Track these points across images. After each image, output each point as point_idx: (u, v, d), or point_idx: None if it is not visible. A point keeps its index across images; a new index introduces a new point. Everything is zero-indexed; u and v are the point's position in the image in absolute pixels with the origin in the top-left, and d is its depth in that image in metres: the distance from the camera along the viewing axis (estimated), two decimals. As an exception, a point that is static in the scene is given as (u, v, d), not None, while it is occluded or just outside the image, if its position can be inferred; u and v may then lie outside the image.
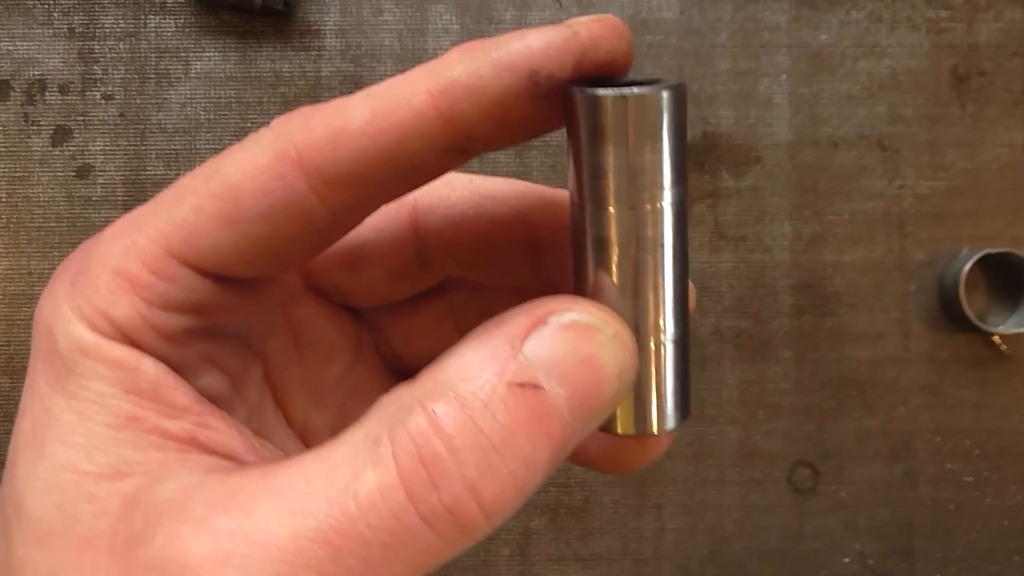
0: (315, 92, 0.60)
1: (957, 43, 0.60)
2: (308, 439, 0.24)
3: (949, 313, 0.60)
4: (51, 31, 0.59)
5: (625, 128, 0.18)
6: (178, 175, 0.59)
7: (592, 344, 0.18)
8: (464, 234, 0.23)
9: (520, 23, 0.60)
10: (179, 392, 0.19)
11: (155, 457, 0.18)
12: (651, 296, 0.19)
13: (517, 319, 0.18)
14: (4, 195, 0.59)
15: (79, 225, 0.59)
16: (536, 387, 0.17)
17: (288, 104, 0.60)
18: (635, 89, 0.18)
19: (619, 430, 0.20)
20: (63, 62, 0.59)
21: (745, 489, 0.60)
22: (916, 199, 0.60)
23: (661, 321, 0.19)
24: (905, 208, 0.60)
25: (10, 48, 0.59)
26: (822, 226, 0.60)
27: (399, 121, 0.18)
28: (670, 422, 0.20)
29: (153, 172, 0.59)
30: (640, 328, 0.19)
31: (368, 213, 0.20)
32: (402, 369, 0.25)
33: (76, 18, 0.60)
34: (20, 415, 0.19)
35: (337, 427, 0.24)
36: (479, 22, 0.60)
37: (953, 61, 0.60)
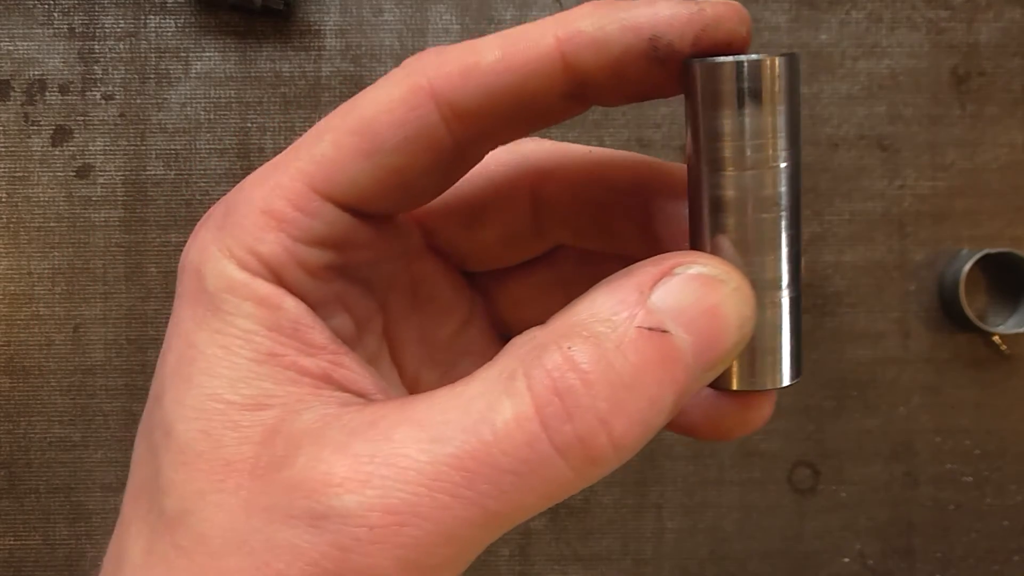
0: (315, 92, 0.60)
1: (957, 43, 0.60)
2: (417, 392, 0.25)
3: (949, 313, 0.60)
4: (51, 31, 0.59)
5: (742, 93, 0.19)
6: (178, 175, 0.59)
7: (716, 295, 0.19)
8: (580, 202, 0.24)
9: (520, 23, 0.60)
10: (316, 331, 0.20)
11: (293, 391, 0.19)
12: (769, 254, 0.20)
13: (645, 269, 0.19)
14: (4, 195, 0.59)
15: (79, 225, 0.59)
16: (664, 332, 0.18)
17: (288, 104, 0.60)
18: (753, 55, 0.19)
19: (734, 386, 0.21)
20: (63, 62, 0.59)
21: (745, 489, 0.60)
22: (916, 199, 0.60)
23: (778, 278, 0.20)
24: (905, 208, 0.60)
25: (10, 48, 0.59)
26: (822, 226, 0.60)
27: (526, 61, 0.19)
28: (785, 378, 0.21)
29: (153, 172, 0.59)
30: (757, 285, 0.20)
31: (491, 148, 0.22)
32: (510, 335, 0.26)
33: (76, 18, 0.60)
34: (165, 351, 0.20)
35: (446, 385, 0.25)
36: (479, 22, 0.60)
37: (953, 61, 0.60)
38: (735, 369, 0.21)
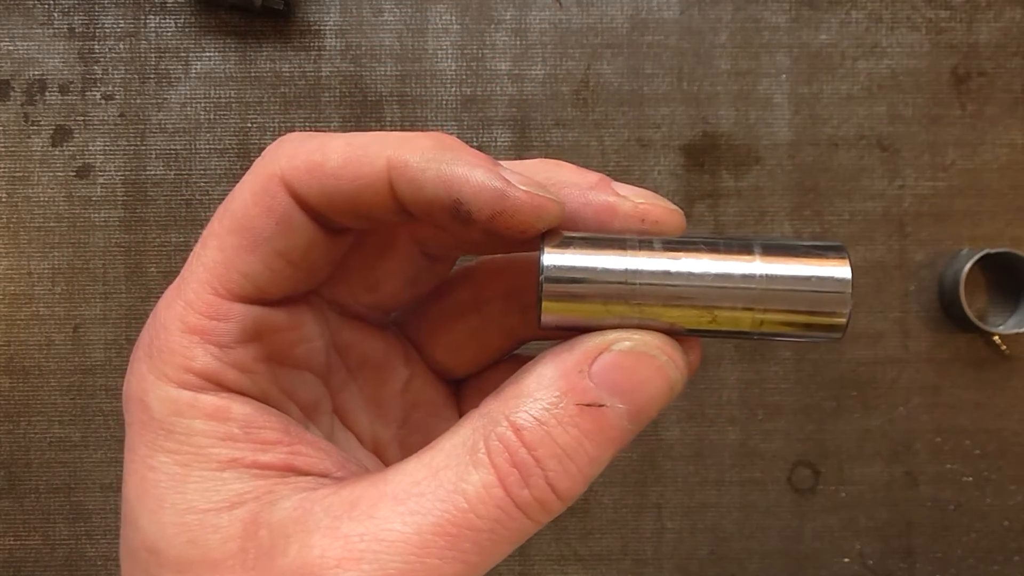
0: (315, 92, 0.60)
1: (957, 43, 0.60)
2: (379, 452, 0.27)
3: (949, 313, 0.60)
4: (51, 31, 0.59)
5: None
6: (178, 175, 0.59)
7: (648, 368, 0.21)
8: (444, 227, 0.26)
9: (520, 23, 0.60)
10: (268, 429, 0.22)
11: (260, 484, 0.21)
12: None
13: (585, 345, 0.21)
14: (4, 195, 0.59)
15: (79, 225, 0.59)
16: (600, 406, 0.21)
17: (288, 104, 0.60)
18: (543, 258, 0.22)
19: None
20: (63, 62, 0.59)
21: (745, 489, 0.60)
22: (916, 199, 0.60)
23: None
24: (905, 208, 0.60)
25: (10, 48, 0.59)
26: (822, 226, 0.60)
27: (359, 175, 0.21)
28: None
29: (153, 172, 0.59)
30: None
31: (362, 230, 0.23)
32: (455, 379, 0.28)
33: (76, 18, 0.60)
34: (126, 479, 0.22)
35: (403, 438, 0.27)
36: (479, 22, 0.60)
37: (953, 61, 0.60)
38: None
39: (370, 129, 0.60)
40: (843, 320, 0.22)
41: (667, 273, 0.21)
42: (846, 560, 0.60)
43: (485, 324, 0.27)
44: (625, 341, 0.21)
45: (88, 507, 0.59)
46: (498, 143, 0.60)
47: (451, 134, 0.61)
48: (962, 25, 0.60)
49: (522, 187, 0.21)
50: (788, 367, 0.60)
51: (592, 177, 0.23)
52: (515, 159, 0.64)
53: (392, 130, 0.60)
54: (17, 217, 0.59)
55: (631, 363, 0.21)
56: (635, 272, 0.21)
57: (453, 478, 0.20)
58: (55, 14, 0.59)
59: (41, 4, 0.59)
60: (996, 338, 0.60)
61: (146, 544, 0.21)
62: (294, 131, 0.62)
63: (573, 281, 0.21)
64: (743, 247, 0.22)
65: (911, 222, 0.60)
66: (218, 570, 0.20)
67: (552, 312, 0.22)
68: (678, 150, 0.60)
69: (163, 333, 0.22)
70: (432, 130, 0.60)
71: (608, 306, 0.22)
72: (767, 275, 0.21)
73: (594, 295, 0.21)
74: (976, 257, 0.57)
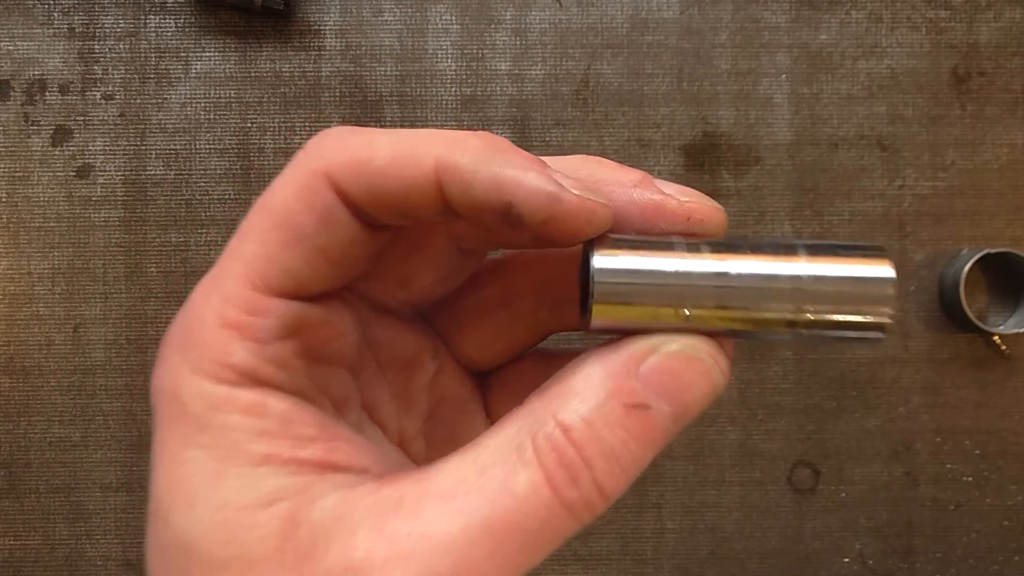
0: (315, 92, 0.60)
1: (957, 43, 0.60)
2: (404, 446, 0.27)
3: (949, 313, 0.60)
4: (51, 31, 0.59)
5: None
6: (178, 175, 0.59)
7: (693, 371, 0.22)
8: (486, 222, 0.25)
9: (520, 23, 0.60)
10: (305, 425, 0.22)
11: (298, 481, 0.21)
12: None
13: (632, 347, 0.21)
14: (4, 195, 0.59)
15: (79, 225, 0.59)
16: (647, 407, 0.21)
17: (288, 104, 0.60)
18: (593, 261, 0.22)
19: None
20: (63, 62, 0.59)
21: (745, 489, 0.60)
22: (916, 199, 0.60)
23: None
24: (905, 208, 0.60)
25: (10, 48, 0.59)
26: (822, 226, 0.60)
27: (408, 174, 0.21)
28: None
29: (153, 172, 0.59)
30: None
31: (401, 226, 0.23)
32: (481, 372, 0.28)
33: (76, 18, 0.60)
34: (156, 474, 0.21)
35: (429, 431, 0.27)
36: (479, 22, 0.60)
37: (953, 61, 0.60)
38: None
39: (370, 129, 0.60)
40: (888, 319, 0.22)
41: (716, 275, 0.22)
42: (846, 560, 0.60)
43: (514, 319, 0.27)
44: (673, 344, 0.21)
45: (88, 507, 0.59)
46: (498, 143, 0.60)
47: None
48: (962, 25, 0.60)
49: (575, 191, 0.21)
50: (788, 367, 0.60)
51: (635, 175, 0.23)
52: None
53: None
54: (17, 217, 0.59)
55: (678, 366, 0.21)
56: (685, 274, 0.22)
57: (500, 476, 0.20)
58: (55, 14, 0.59)
59: (41, 4, 0.59)
60: (996, 338, 0.60)
61: (178, 541, 0.21)
62: (294, 131, 0.62)
63: (623, 285, 0.22)
64: (788, 248, 0.22)
65: (911, 222, 0.60)
66: (255, 569, 0.20)
67: (603, 316, 0.22)
68: (678, 150, 0.60)
69: (199, 326, 0.21)
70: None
71: (658, 309, 0.22)
72: (814, 276, 0.22)
73: (644, 298, 0.22)
74: (976, 257, 0.57)
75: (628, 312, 0.22)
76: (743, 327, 0.22)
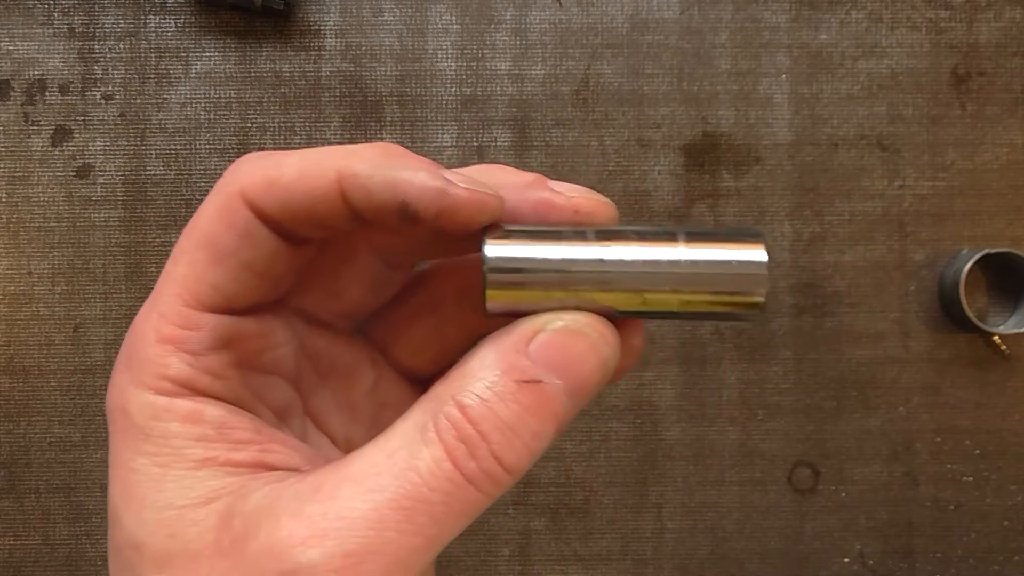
0: (315, 92, 0.60)
1: (957, 43, 0.60)
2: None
3: (949, 313, 0.60)
4: (51, 31, 0.59)
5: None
6: (178, 175, 0.59)
7: (581, 344, 0.23)
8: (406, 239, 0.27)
9: (520, 23, 0.60)
10: (240, 430, 0.24)
11: (234, 481, 0.23)
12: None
13: (522, 327, 0.23)
14: (4, 195, 0.59)
15: (79, 225, 0.59)
16: (538, 382, 0.22)
17: (288, 104, 0.60)
18: (486, 246, 0.24)
19: None
20: (63, 62, 0.59)
21: (745, 489, 0.60)
22: (916, 199, 0.60)
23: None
24: (905, 208, 0.60)
25: (10, 48, 0.59)
26: (822, 226, 0.60)
27: (314, 187, 0.23)
28: None
29: (153, 172, 0.59)
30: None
31: (324, 240, 0.25)
32: (420, 379, 0.30)
33: (76, 18, 0.60)
34: (111, 482, 0.24)
35: (375, 437, 0.28)
36: (479, 22, 0.60)
37: (953, 61, 0.60)
38: None
39: (370, 129, 0.60)
40: (761, 299, 0.24)
41: (599, 260, 0.23)
42: (846, 560, 0.60)
43: (443, 323, 0.29)
44: (558, 321, 0.23)
45: (88, 507, 0.59)
46: (498, 143, 0.60)
47: (451, 134, 0.61)
48: (962, 25, 0.60)
49: (462, 185, 0.23)
50: (788, 367, 0.60)
51: (529, 176, 0.25)
52: (515, 159, 0.64)
53: (393, 130, 0.60)
54: (17, 217, 0.59)
55: (564, 340, 0.23)
56: (570, 260, 0.23)
57: (406, 456, 0.22)
58: (55, 14, 0.59)
59: (41, 4, 0.59)
60: (996, 338, 0.60)
61: (130, 541, 0.23)
62: (294, 131, 0.62)
63: (514, 270, 0.23)
64: (669, 235, 0.24)
65: (911, 222, 0.60)
66: (197, 560, 0.22)
67: (496, 299, 0.24)
68: (678, 150, 0.60)
69: (140, 344, 0.23)
70: (432, 130, 0.60)
71: (547, 292, 0.23)
72: (690, 260, 0.24)
73: (533, 282, 0.23)
74: (976, 257, 0.57)
75: (519, 295, 0.23)
76: (629, 307, 0.24)
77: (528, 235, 0.24)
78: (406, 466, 0.22)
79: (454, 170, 0.24)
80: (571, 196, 0.24)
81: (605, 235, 0.24)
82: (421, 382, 0.30)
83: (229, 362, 0.24)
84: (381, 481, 0.21)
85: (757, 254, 0.24)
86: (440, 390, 0.23)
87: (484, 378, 0.22)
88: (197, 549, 0.22)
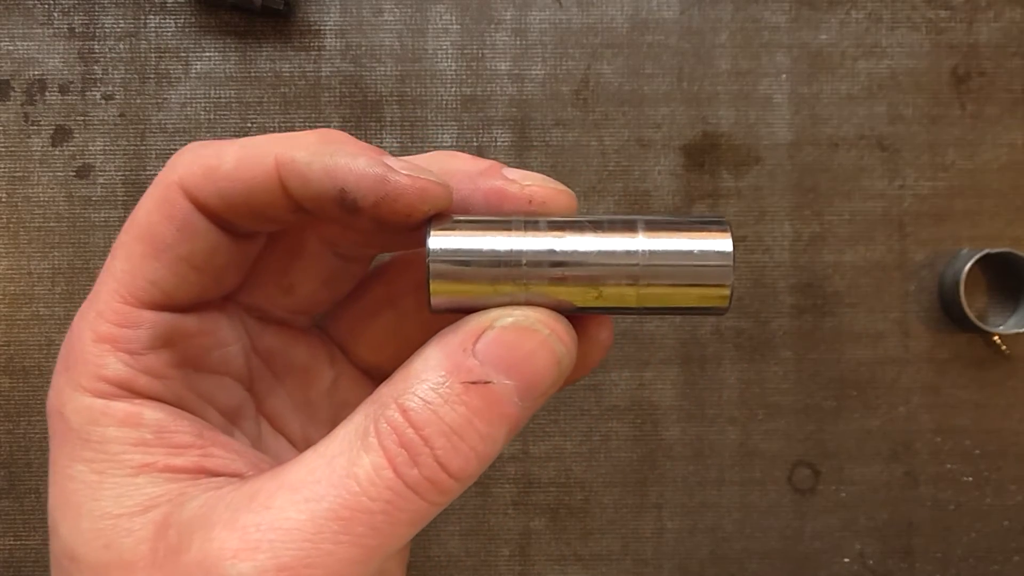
0: (315, 92, 0.60)
1: (957, 43, 0.60)
2: None
3: (949, 313, 0.60)
4: (51, 31, 0.59)
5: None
6: (178, 175, 0.59)
7: (531, 342, 0.21)
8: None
9: (520, 23, 0.60)
10: (180, 433, 0.22)
11: (173, 488, 0.22)
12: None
13: (469, 324, 0.22)
14: (4, 195, 0.59)
15: (79, 225, 0.59)
16: (487, 383, 0.21)
17: (288, 104, 0.60)
18: (429, 237, 0.22)
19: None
20: (63, 62, 0.59)
21: (745, 489, 0.60)
22: (916, 199, 0.60)
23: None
24: (905, 208, 0.60)
25: (10, 48, 0.59)
26: (822, 226, 0.60)
27: (252, 175, 0.22)
28: None
29: (153, 172, 0.59)
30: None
31: (270, 233, 0.24)
32: (382, 376, 0.28)
33: (76, 18, 0.60)
34: (50, 489, 0.23)
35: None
36: (479, 22, 0.60)
37: (953, 61, 0.60)
38: None
39: (370, 129, 0.60)
40: (726, 292, 0.22)
41: (551, 251, 0.22)
42: (846, 560, 0.60)
43: (402, 318, 0.27)
44: (507, 317, 0.22)
45: (88, 507, 0.59)
46: (498, 143, 0.60)
47: (451, 134, 0.61)
48: (962, 25, 0.60)
49: (404, 172, 0.21)
50: (788, 367, 0.60)
51: (483, 164, 0.23)
52: (514, 158, 0.64)
53: (393, 130, 0.60)
54: (17, 217, 0.59)
55: (513, 338, 0.21)
56: (520, 252, 0.22)
57: (345, 463, 0.20)
58: (55, 14, 0.59)
59: (41, 4, 0.59)
60: (996, 338, 0.60)
61: (66, 551, 0.22)
62: (294, 131, 0.62)
63: (459, 263, 0.22)
64: (627, 224, 0.22)
65: (911, 222, 0.60)
66: (131, 571, 0.21)
67: (441, 294, 0.22)
68: (678, 150, 0.60)
69: (76, 344, 0.23)
70: (432, 130, 0.60)
71: (496, 286, 0.22)
72: (650, 251, 0.22)
73: (481, 276, 0.22)
74: (976, 257, 0.57)
75: (465, 290, 0.22)
76: (584, 302, 0.22)
77: (476, 225, 0.22)
78: (345, 474, 0.20)
79: (401, 157, 0.22)
80: (525, 184, 0.23)
81: (559, 225, 0.22)
82: (383, 380, 0.29)
83: (170, 361, 0.23)
84: (319, 489, 0.20)
85: (722, 243, 0.22)
86: (383, 392, 0.22)
87: (428, 379, 0.21)
88: (132, 560, 0.21)
